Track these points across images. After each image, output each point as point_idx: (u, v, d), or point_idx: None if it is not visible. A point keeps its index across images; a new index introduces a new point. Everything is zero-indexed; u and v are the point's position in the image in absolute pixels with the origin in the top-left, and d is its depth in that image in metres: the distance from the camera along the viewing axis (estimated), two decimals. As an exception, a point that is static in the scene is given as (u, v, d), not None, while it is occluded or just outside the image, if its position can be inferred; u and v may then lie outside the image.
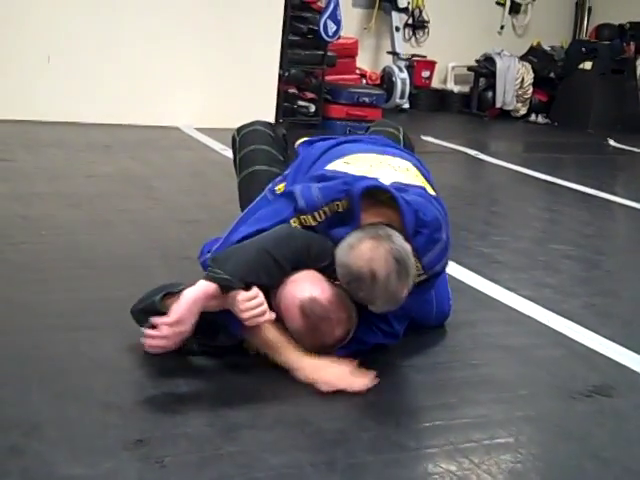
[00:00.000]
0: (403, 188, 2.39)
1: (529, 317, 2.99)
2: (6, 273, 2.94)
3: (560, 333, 2.86)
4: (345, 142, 2.73)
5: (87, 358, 2.31)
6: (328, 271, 2.30)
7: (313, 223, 2.35)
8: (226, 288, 2.16)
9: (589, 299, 3.28)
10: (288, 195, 2.42)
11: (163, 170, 5.03)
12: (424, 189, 2.48)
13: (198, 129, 6.45)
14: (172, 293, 2.29)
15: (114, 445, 1.86)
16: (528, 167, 6.36)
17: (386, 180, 2.41)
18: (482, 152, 6.90)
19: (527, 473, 1.94)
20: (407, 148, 2.89)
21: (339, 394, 2.21)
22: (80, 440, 1.88)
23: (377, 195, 2.33)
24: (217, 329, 2.32)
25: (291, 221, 2.36)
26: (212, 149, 5.76)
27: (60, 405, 2.03)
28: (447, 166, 6.36)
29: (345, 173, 2.45)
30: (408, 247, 2.22)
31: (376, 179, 2.40)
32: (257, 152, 2.86)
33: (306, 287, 2.25)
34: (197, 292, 2.14)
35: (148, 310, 2.29)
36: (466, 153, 6.87)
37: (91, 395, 2.10)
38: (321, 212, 2.34)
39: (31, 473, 1.74)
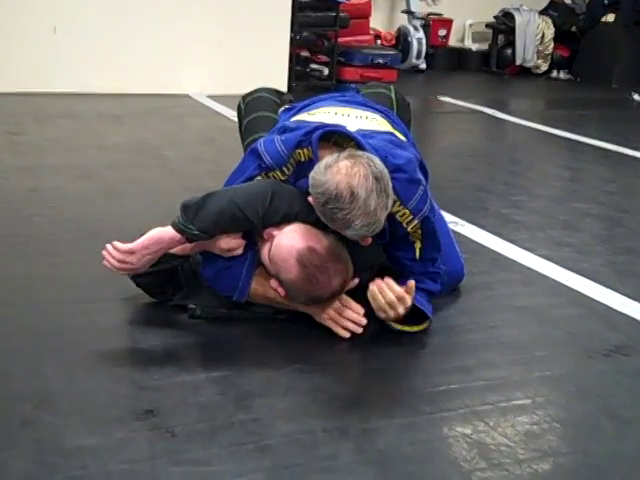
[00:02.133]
0: (368, 134, 2.38)
1: (547, 277, 2.98)
2: (18, 246, 2.96)
3: (578, 292, 2.85)
4: (318, 100, 2.73)
5: (99, 330, 2.34)
6: (317, 224, 2.29)
7: (282, 178, 2.35)
8: (193, 239, 2.28)
9: (610, 257, 3.26)
10: (252, 152, 2.41)
11: (174, 139, 5.03)
12: (393, 134, 2.47)
13: (209, 96, 6.44)
14: None
15: (125, 415, 1.89)
16: (549, 125, 6.29)
17: (350, 128, 2.39)
18: (502, 111, 6.83)
19: (544, 435, 1.94)
20: (401, 107, 2.88)
21: (352, 361, 2.22)
22: (91, 411, 1.91)
23: (342, 143, 2.32)
24: (218, 298, 2.38)
25: (257, 179, 2.37)
26: (223, 116, 5.74)
27: (71, 377, 2.06)
28: (465, 126, 6.31)
29: (308, 123, 2.44)
30: (386, 170, 2.19)
31: (337, 125, 2.39)
32: (261, 119, 2.85)
33: (302, 237, 2.25)
34: (163, 233, 2.28)
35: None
36: (485, 113, 6.80)
37: (102, 366, 2.12)
38: (289, 165, 2.34)
39: (43, 444, 1.76)
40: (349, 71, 7.29)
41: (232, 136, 4.94)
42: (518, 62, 9.47)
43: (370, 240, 2.26)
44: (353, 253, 2.31)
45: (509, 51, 9.48)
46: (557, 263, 3.11)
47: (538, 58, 9.60)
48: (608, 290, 2.87)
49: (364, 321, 2.33)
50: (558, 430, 1.97)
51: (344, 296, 2.35)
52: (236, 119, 3.08)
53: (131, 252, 2.31)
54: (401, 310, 2.28)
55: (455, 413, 2.01)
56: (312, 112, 2.58)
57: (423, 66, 9.15)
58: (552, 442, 1.92)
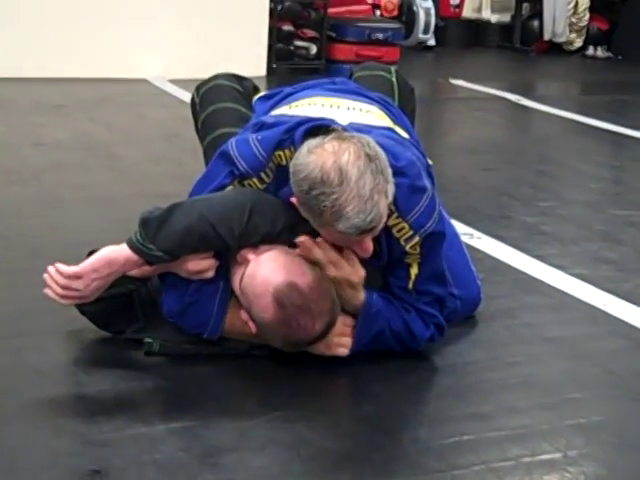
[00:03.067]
0: (363, 129, 2.37)
1: (581, 301, 2.98)
2: None
3: (620, 320, 2.85)
4: (302, 89, 2.74)
5: (34, 371, 2.32)
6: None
7: (260, 186, 2.35)
8: (153, 261, 2.28)
9: (659, 277, 3.28)
10: (222, 155, 2.40)
11: (129, 134, 5.03)
12: (392, 130, 2.48)
13: (171, 81, 6.45)
14: None
15: (66, 477, 1.87)
16: (584, 114, 6.33)
17: (342, 121, 2.39)
18: (527, 97, 6.87)
19: (577, 496, 1.94)
20: (404, 94, 2.89)
21: (344, 407, 2.22)
22: (24, 472, 1.89)
23: None
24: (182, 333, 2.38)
25: (229, 188, 2.36)
26: (189, 105, 5.73)
27: (1, 430, 2.04)
28: (483, 116, 6.33)
29: (290, 117, 2.43)
30: (384, 153, 2.18)
31: (325, 118, 2.38)
32: (221, 112, 2.85)
33: (282, 270, 2.23)
34: (116, 254, 2.28)
35: None
36: (507, 99, 6.84)
37: (38, 416, 2.11)
38: (267, 170, 2.34)
39: (-36, 515, 1.76)
40: (342, 49, 7.33)
41: (199, 130, 4.98)
42: (547, 37, 9.54)
43: (370, 248, 2.26)
44: None
45: (536, 23, 9.55)
46: (594, 284, 3.12)
47: (571, 32, 9.66)
48: (656, 317, 2.88)
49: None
50: (595, 491, 1.98)
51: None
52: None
53: (77, 276, 2.28)
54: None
55: (469, 471, 2.00)
56: (294, 104, 2.59)
57: (432, 42, 9.20)
58: (588, 505, 1.93)
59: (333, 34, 7.36)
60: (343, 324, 2.37)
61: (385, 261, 2.35)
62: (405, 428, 2.17)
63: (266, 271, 2.24)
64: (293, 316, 2.20)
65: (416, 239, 2.31)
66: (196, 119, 2.95)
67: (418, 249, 2.34)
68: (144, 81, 6.48)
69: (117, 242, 3.16)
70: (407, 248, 2.32)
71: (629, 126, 5.97)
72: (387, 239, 2.30)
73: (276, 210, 2.31)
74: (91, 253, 2.37)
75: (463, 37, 9.61)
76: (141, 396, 2.24)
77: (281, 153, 2.33)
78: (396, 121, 2.61)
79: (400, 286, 2.39)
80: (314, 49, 7.29)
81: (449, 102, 7.01)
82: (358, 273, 2.32)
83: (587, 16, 9.68)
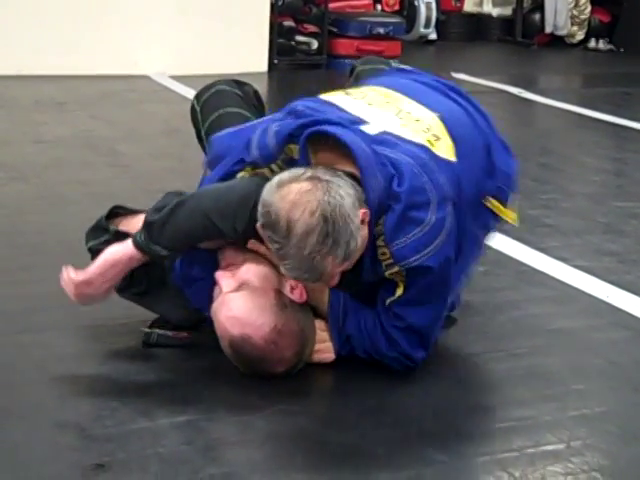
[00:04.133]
0: (389, 141, 2.30)
1: (585, 293, 2.98)
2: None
3: (623, 311, 2.85)
4: (387, 75, 2.72)
5: (36, 366, 2.33)
6: None
7: (270, 176, 2.31)
8: (158, 260, 2.33)
9: (661, 268, 3.28)
10: (242, 136, 2.40)
11: (130, 130, 5.03)
12: (426, 149, 2.33)
13: (173, 77, 6.45)
14: (122, 211, 2.54)
15: (69, 472, 1.88)
16: (587, 106, 6.32)
17: (375, 127, 2.34)
18: (529, 90, 6.87)
19: (581, 487, 1.94)
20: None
21: (346, 400, 2.22)
22: (27, 467, 1.89)
23: (342, 147, 2.24)
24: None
25: (239, 175, 2.37)
26: (190, 101, 5.73)
27: (3, 425, 2.05)
28: (485, 109, 6.31)
29: (315, 110, 2.38)
30: (353, 210, 2.12)
31: (340, 125, 2.29)
32: (227, 117, 2.83)
33: (239, 320, 2.22)
34: (119, 254, 2.31)
35: (96, 228, 2.52)
36: (509, 92, 6.83)
37: (41, 411, 2.12)
38: (279, 162, 2.32)
39: (-33, 510, 1.76)
40: (343, 44, 7.33)
41: (200, 126, 4.98)
42: (548, 30, 9.52)
43: (333, 282, 2.24)
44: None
45: (537, 16, 9.54)
46: (597, 276, 3.12)
47: (572, 25, 9.65)
48: (659, 308, 2.88)
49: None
50: (599, 481, 1.97)
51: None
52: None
53: (87, 283, 2.34)
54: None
55: (472, 462, 2.01)
56: (353, 91, 2.54)
57: (433, 36, 9.19)
58: (591, 496, 1.92)
59: (334, 29, 7.36)
60: (320, 329, 2.36)
61: (369, 278, 2.30)
62: (409, 421, 2.17)
63: (225, 319, 2.25)
64: (249, 362, 2.26)
65: (395, 269, 2.23)
66: (198, 126, 2.89)
67: (400, 277, 2.26)
68: (145, 77, 6.48)
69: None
70: (386, 274, 2.25)
71: (631, 118, 5.96)
72: (373, 258, 2.25)
73: None
74: (114, 212, 2.55)
75: (464, 31, 9.59)
76: (144, 390, 2.24)
77: (292, 147, 2.30)
78: (457, 138, 2.44)
79: (382, 300, 2.32)
80: (315, 44, 7.29)
81: (451, 96, 6.99)
82: None
83: (589, 8, 9.66)
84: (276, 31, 7.07)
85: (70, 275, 2.35)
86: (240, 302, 2.26)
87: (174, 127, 5.11)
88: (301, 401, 2.21)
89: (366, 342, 2.35)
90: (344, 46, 7.32)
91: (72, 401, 2.18)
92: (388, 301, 2.30)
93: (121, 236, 2.41)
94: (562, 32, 9.61)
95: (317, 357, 2.37)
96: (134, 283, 2.45)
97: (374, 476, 1.93)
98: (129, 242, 2.31)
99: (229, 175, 2.39)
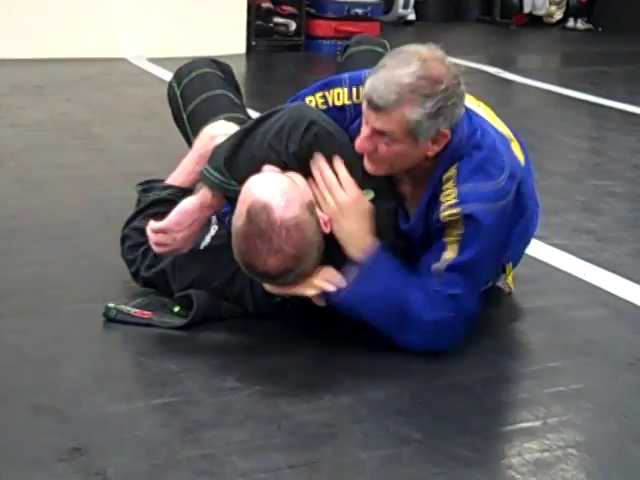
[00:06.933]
0: (478, 114, 2.38)
1: (561, 271, 2.99)
2: None
3: (600, 289, 2.86)
4: None
5: (12, 350, 2.32)
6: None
7: (347, 102, 2.40)
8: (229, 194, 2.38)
9: (638, 245, 3.30)
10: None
11: (107, 113, 5.01)
12: (507, 139, 2.46)
13: (150, 59, 6.42)
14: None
15: (45, 455, 1.87)
16: (565, 86, 6.33)
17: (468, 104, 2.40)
18: (508, 70, 6.87)
19: (557, 463, 1.94)
20: None
21: (324, 381, 2.22)
22: (4, 451, 1.89)
23: None
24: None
25: (308, 98, 2.45)
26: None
27: (-22, 410, 2.04)
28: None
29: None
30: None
31: None
32: (213, 99, 2.81)
33: (271, 191, 2.23)
34: (191, 205, 2.40)
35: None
36: (487, 72, 6.83)
37: (18, 395, 2.11)
38: (362, 88, 2.32)
39: (-57, 495, 1.75)
40: (321, 25, 7.31)
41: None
42: (527, 9, 9.53)
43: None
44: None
45: (516, -4, 9.52)
46: (574, 254, 3.13)
47: (551, 4, 9.65)
48: (636, 285, 2.89)
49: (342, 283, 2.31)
50: (574, 458, 1.98)
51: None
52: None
53: (162, 231, 2.41)
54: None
55: (449, 441, 2.00)
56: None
57: (412, 17, 9.17)
58: (567, 472, 1.92)
59: (312, 10, 7.34)
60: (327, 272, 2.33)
61: (414, 227, 2.34)
62: (386, 400, 2.16)
63: (259, 183, 2.27)
64: (253, 235, 2.21)
65: (455, 210, 2.24)
66: (179, 112, 2.88)
67: (457, 230, 2.26)
68: (123, 60, 6.45)
69: (96, 221, 3.20)
70: (443, 214, 2.25)
71: (609, 97, 5.98)
72: (431, 202, 2.29)
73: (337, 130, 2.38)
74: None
75: (443, 11, 9.57)
76: (120, 373, 2.24)
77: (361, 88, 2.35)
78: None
79: (427, 264, 2.31)
80: (293, 26, 7.27)
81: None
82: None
83: (567, -12, 9.67)
84: (254, 13, 7.04)
85: (151, 224, 2.43)
86: (281, 180, 2.29)
87: (152, 110, 5.08)
88: (279, 382, 2.21)
89: (383, 307, 2.30)
90: (322, 27, 7.30)
91: (49, 385, 2.17)
92: (436, 265, 2.29)
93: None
94: (540, 12, 9.61)
95: (319, 281, 2.31)
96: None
97: (352, 455, 1.93)
98: (203, 190, 2.38)
99: (302, 95, 2.49)
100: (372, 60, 2.78)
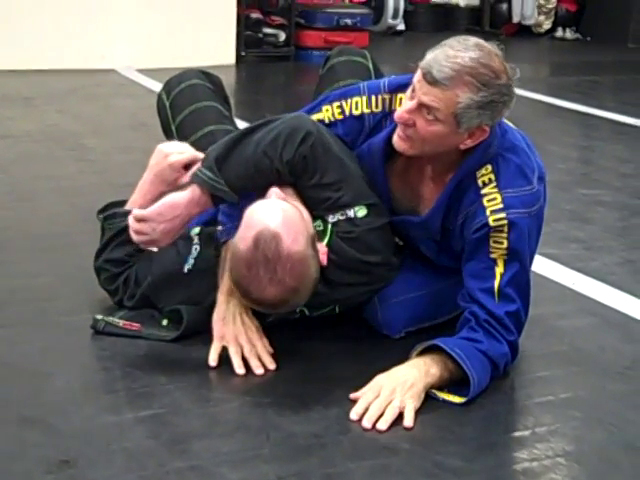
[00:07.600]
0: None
1: (549, 280, 3.00)
2: None
3: (589, 298, 2.87)
4: None
5: (1, 362, 2.31)
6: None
7: (366, 110, 2.39)
8: (218, 195, 2.34)
9: (626, 254, 3.30)
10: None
11: (97, 124, 5.01)
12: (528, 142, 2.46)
13: (140, 70, 6.42)
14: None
15: (34, 468, 1.86)
16: (554, 95, 6.36)
17: None
18: (496, 79, 6.86)
19: (546, 473, 1.95)
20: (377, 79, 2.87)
21: (314, 391, 2.22)
22: (-8, 464, 1.88)
23: None
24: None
25: (324, 107, 2.44)
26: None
27: (-34, 423, 2.03)
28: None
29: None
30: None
31: None
32: (202, 111, 2.81)
33: (283, 220, 2.18)
34: (179, 198, 2.34)
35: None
36: (476, 82, 6.84)
37: (5, 408, 2.10)
38: (380, 98, 2.34)
39: None
40: (310, 35, 7.32)
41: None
42: (516, 19, 9.56)
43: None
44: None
45: (505, 6, 9.57)
46: (562, 263, 3.14)
47: (539, 14, 9.69)
48: (624, 294, 2.89)
49: (272, 365, 2.33)
50: (563, 467, 1.98)
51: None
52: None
53: (144, 219, 2.35)
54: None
55: (438, 449, 2.00)
56: None
57: (401, 27, 9.19)
58: (556, 482, 1.93)
59: (302, 20, 7.35)
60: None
61: (427, 220, 2.36)
62: (374, 410, 2.17)
63: (270, 212, 2.21)
64: (257, 262, 2.14)
65: (502, 215, 2.24)
66: (167, 120, 2.87)
67: (501, 239, 2.25)
68: (112, 71, 6.45)
69: (86, 233, 3.19)
70: (490, 220, 2.25)
71: (598, 106, 6.00)
72: (452, 200, 2.31)
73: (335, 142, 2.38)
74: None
75: (432, 21, 9.59)
76: (109, 386, 2.23)
77: (403, 97, 2.32)
78: None
79: (483, 288, 2.26)
80: (283, 36, 7.28)
81: (419, 86, 7.00)
82: None
83: (555, -2, 9.71)
84: (243, 23, 7.04)
85: (133, 212, 2.38)
86: (290, 211, 2.24)
87: (141, 121, 5.09)
88: (268, 393, 2.21)
89: (485, 381, 2.23)
90: (312, 38, 7.31)
91: (37, 397, 2.16)
92: (496, 284, 2.25)
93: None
94: (529, 22, 9.65)
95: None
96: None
97: (341, 466, 1.93)
98: (193, 186, 2.35)
99: (314, 107, 2.49)
100: (354, 70, 2.81)
